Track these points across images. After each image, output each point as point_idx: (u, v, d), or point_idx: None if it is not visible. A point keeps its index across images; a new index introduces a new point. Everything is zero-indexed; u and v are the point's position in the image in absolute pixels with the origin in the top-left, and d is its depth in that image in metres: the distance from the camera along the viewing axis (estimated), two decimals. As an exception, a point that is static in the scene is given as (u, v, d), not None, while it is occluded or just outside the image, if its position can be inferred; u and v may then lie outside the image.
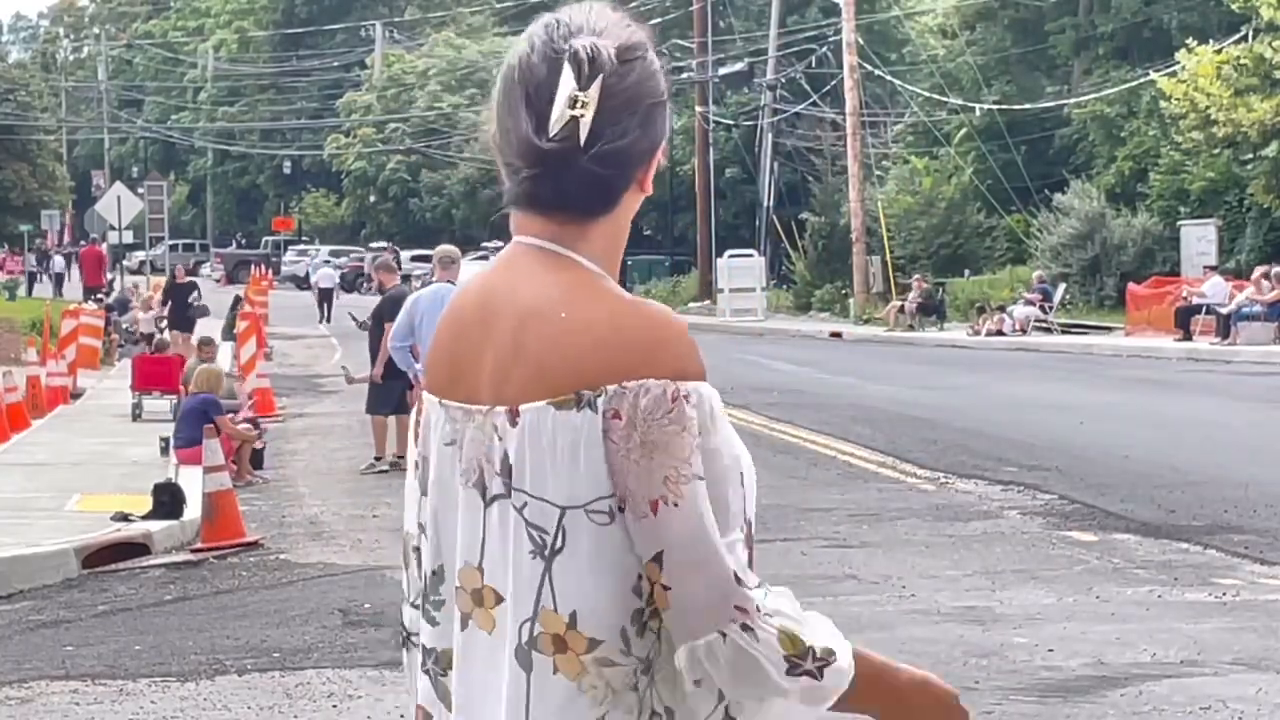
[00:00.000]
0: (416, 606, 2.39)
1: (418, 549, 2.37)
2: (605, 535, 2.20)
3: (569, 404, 2.19)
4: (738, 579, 2.18)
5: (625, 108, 2.28)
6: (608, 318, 2.22)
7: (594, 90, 2.24)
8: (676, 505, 2.16)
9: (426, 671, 2.35)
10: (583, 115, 2.23)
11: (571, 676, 2.21)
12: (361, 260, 74.78)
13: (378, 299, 19.48)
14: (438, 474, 2.30)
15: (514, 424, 2.22)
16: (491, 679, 2.26)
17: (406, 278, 71.05)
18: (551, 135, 2.23)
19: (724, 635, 2.17)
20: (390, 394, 17.46)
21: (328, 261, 65.65)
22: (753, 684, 2.19)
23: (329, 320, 48.55)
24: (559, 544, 2.21)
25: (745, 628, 2.17)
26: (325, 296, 52.05)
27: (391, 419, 17.55)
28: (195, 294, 33.27)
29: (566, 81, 2.23)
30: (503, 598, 2.25)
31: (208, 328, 29.42)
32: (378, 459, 17.46)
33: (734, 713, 2.24)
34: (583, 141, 2.23)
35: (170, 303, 32.98)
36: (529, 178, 2.27)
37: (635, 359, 2.18)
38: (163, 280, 45.27)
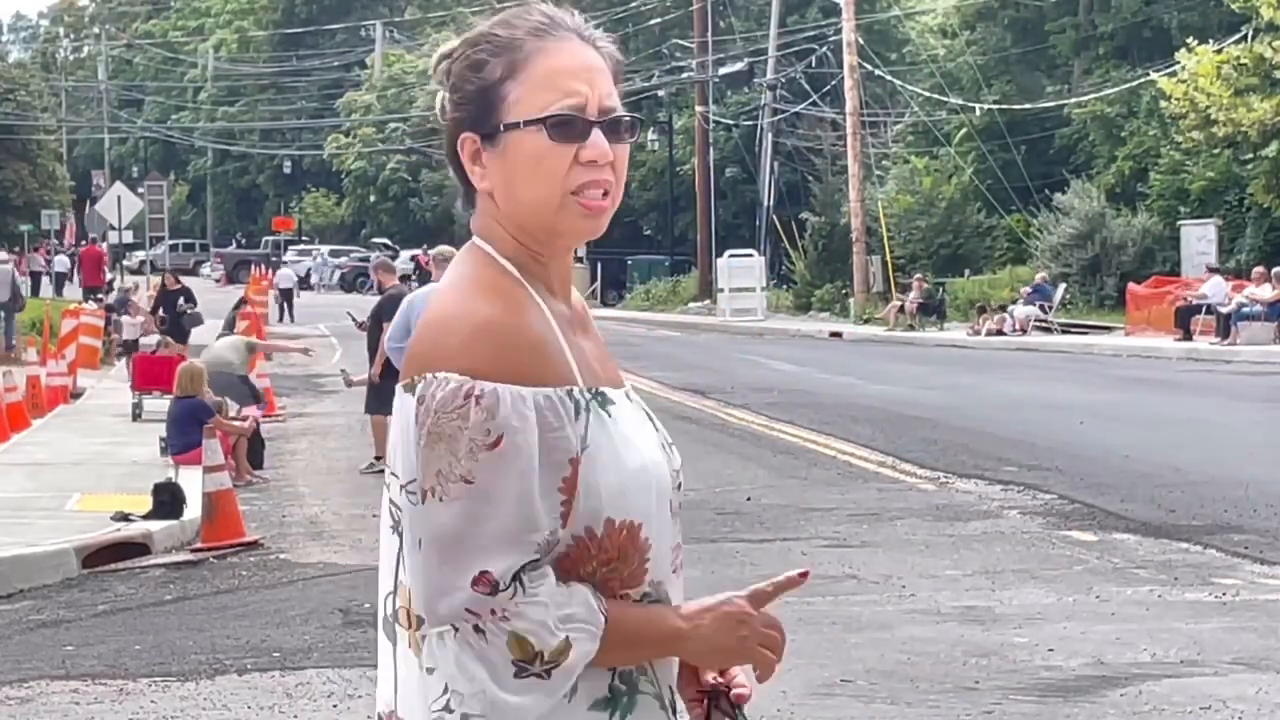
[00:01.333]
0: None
1: None
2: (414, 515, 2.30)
3: (408, 387, 2.31)
4: (483, 582, 2.22)
5: (448, 106, 2.43)
6: (435, 310, 2.34)
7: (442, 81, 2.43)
8: (440, 500, 2.24)
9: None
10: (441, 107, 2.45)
11: (416, 652, 2.32)
12: (366, 260, 74.80)
13: (377, 299, 19.46)
14: None
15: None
16: (383, 648, 2.39)
17: (405, 277, 71.22)
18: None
19: (455, 629, 2.25)
20: (390, 393, 17.45)
21: (286, 263, 65.91)
22: (470, 680, 2.25)
23: (291, 320, 48.75)
24: (400, 521, 2.34)
25: (477, 629, 2.24)
26: (285, 297, 52.21)
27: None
28: (186, 301, 31.37)
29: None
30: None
31: (206, 332, 29.44)
32: (378, 458, 17.47)
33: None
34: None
35: (160, 310, 31.23)
36: None
37: (436, 352, 2.29)
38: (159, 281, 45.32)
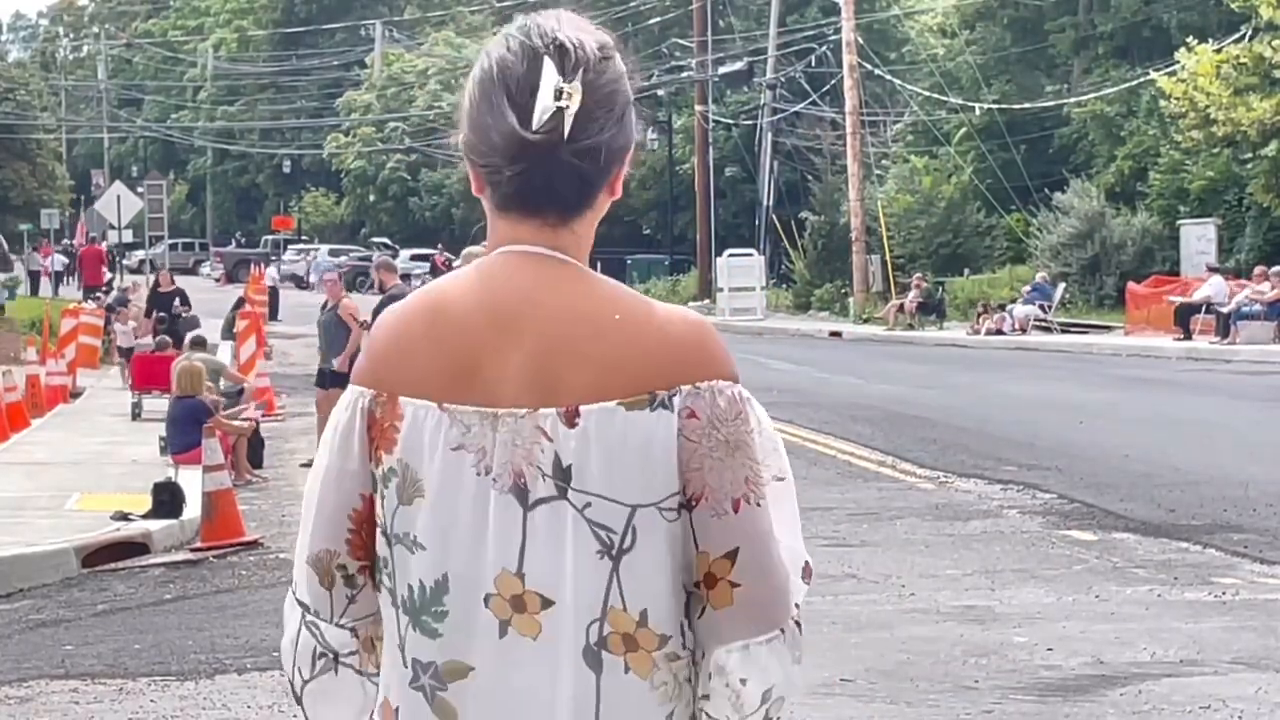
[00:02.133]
0: (348, 626, 2.42)
1: (367, 565, 2.34)
2: (673, 531, 2.24)
3: (641, 404, 2.20)
4: (808, 572, 2.32)
5: (603, 104, 2.27)
6: (663, 320, 2.24)
7: (577, 83, 2.23)
8: (759, 505, 2.25)
9: (419, 689, 2.28)
10: (567, 106, 2.22)
11: (643, 675, 2.23)
12: (366, 259, 74.80)
13: (379, 298, 19.46)
14: (441, 480, 2.24)
15: (571, 425, 2.20)
16: (539, 685, 2.22)
17: (406, 277, 71.24)
18: (536, 128, 2.22)
19: (783, 631, 2.25)
20: None
21: (274, 261, 66.05)
22: (788, 680, 2.29)
23: (277, 319, 48.74)
24: (628, 543, 2.22)
25: (797, 622, 2.28)
26: (272, 295, 52.23)
27: None
28: (181, 304, 30.18)
29: (549, 74, 2.23)
30: (551, 601, 2.21)
31: (205, 332, 29.38)
32: None
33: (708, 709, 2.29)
34: (566, 133, 2.22)
35: (154, 314, 29.92)
36: (516, 174, 2.26)
37: (699, 359, 2.25)
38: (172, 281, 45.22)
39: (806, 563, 2.32)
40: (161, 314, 29.44)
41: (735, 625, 2.23)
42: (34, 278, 60.33)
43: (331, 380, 17.74)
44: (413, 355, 2.26)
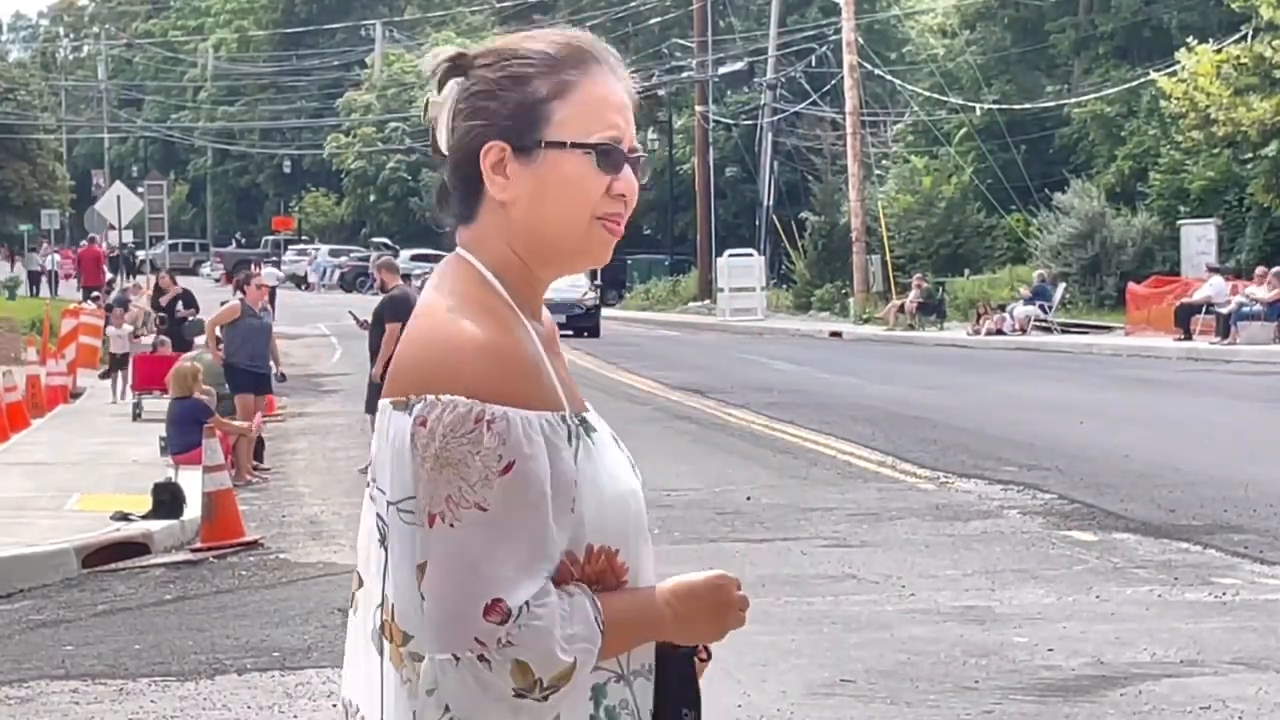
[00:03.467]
0: None
1: None
2: (410, 535, 2.28)
3: (400, 405, 2.28)
4: (495, 611, 2.20)
5: (456, 114, 2.40)
6: (430, 329, 2.31)
7: (443, 94, 2.41)
8: (451, 526, 2.22)
9: None
10: (433, 121, 2.42)
11: (397, 666, 2.31)
12: (366, 259, 74.78)
13: (379, 298, 19.45)
14: None
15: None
16: (358, 658, 2.39)
17: (406, 277, 71.22)
18: (432, 148, 2.44)
19: (456, 659, 2.22)
20: None
21: (270, 261, 66.11)
22: (474, 707, 2.23)
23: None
24: (388, 536, 2.33)
25: (481, 658, 2.21)
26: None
27: None
28: (186, 306, 28.95)
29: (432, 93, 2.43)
30: (363, 582, 2.39)
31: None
32: None
33: None
34: (442, 147, 2.42)
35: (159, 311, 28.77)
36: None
37: (440, 372, 2.26)
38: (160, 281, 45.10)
39: (494, 601, 2.20)
40: (162, 314, 28.71)
41: (424, 635, 2.26)
42: (34, 278, 60.34)
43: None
44: None
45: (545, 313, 2.47)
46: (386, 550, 2.32)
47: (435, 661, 2.24)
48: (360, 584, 2.40)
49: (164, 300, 29.24)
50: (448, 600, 2.22)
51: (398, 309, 17.81)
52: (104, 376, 26.94)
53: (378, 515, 2.33)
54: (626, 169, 2.39)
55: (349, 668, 2.41)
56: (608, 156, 2.37)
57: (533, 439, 2.24)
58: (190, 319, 27.81)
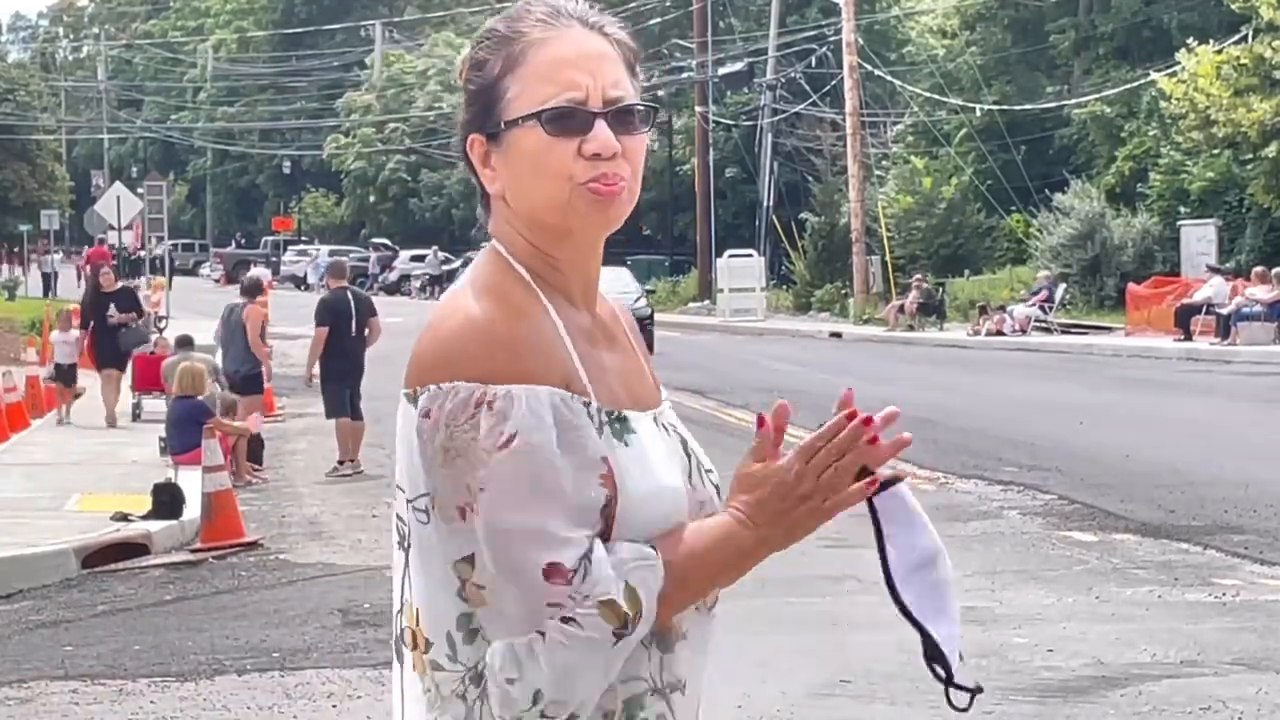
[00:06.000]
0: None
1: None
2: (425, 534, 2.21)
3: (410, 396, 2.21)
4: (556, 574, 2.12)
5: (461, 107, 2.34)
6: (438, 319, 2.23)
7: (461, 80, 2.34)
8: (478, 513, 2.13)
9: None
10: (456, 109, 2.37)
11: (419, 674, 2.24)
12: (366, 260, 74.81)
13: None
14: None
15: None
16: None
17: (406, 277, 71.18)
18: None
19: (542, 634, 2.13)
20: (334, 398, 17.63)
21: (255, 263, 66.23)
22: (569, 680, 2.13)
23: None
24: (409, 538, 2.25)
25: (566, 620, 2.13)
26: None
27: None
28: (122, 308, 22.72)
29: None
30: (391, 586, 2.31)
31: (205, 333, 29.28)
32: (340, 462, 17.35)
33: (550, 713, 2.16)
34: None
35: (90, 323, 22.72)
36: None
37: (444, 358, 2.18)
38: (161, 281, 45.05)
39: (550, 565, 2.12)
40: (94, 327, 22.60)
41: (494, 625, 2.17)
42: (46, 280, 60.51)
43: None
44: None
45: (606, 303, 2.38)
46: (407, 552, 2.25)
47: (518, 647, 2.14)
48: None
49: (103, 287, 23.10)
50: (508, 584, 2.14)
51: (326, 312, 17.96)
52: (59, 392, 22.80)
53: (397, 516, 2.26)
54: (600, 126, 2.21)
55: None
56: (562, 120, 2.21)
57: (539, 413, 2.14)
58: (128, 326, 22.74)
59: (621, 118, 2.23)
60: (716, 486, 2.38)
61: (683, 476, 2.28)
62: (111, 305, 22.51)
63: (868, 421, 2.28)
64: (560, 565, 2.12)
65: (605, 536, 2.18)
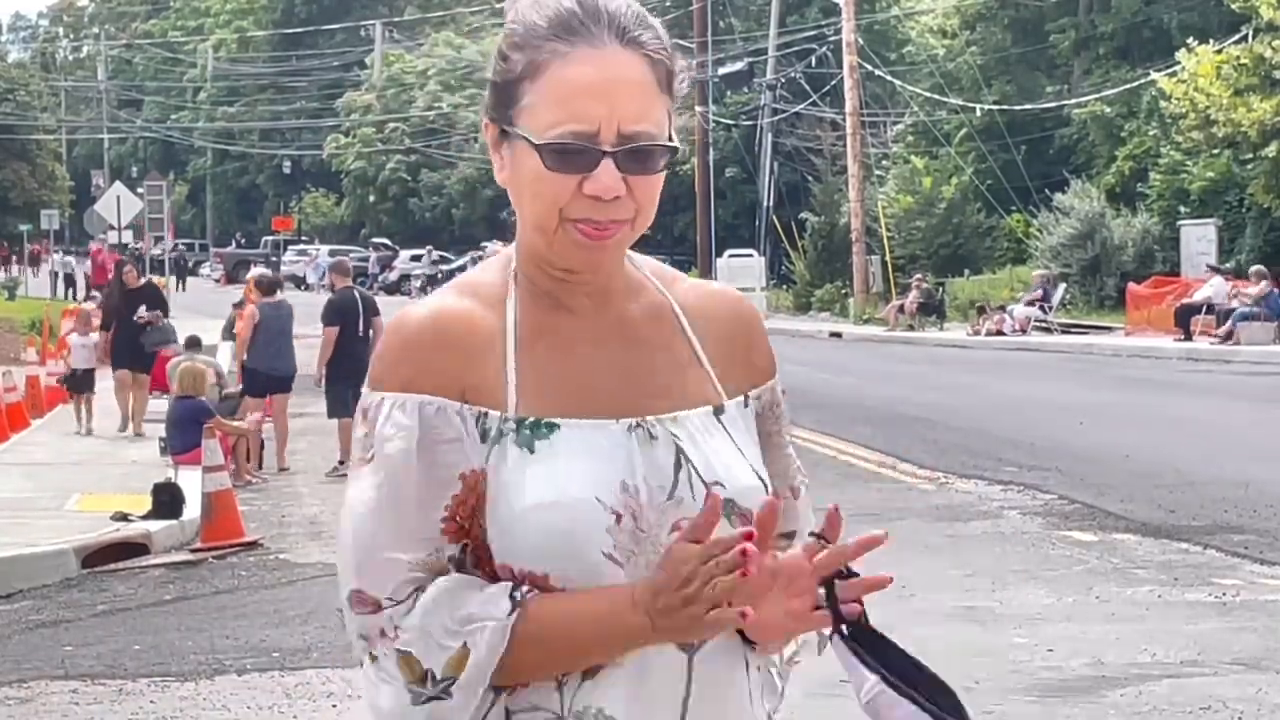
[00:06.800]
0: None
1: None
2: None
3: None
4: (359, 601, 2.03)
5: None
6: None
7: None
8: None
9: None
10: None
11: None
12: (366, 260, 74.79)
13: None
14: None
15: None
16: None
17: (406, 277, 71.18)
18: None
19: (360, 663, 2.07)
20: (337, 398, 17.62)
21: (255, 262, 66.24)
22: (380, 714, 2.03)
23: None
24: None
25: (372, 656, 2.03)
26: None
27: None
28: (149, 307, 21.83)
29: None
30: None
31: (205, 334, 29.27)
32: (341, 462, 17.36)
33: None
34: None
35: (114, 323, 21.72)
36: None
37: (372, 366, 2.12)
38: (162, 281, 45.01)
39: (354, 592, 2.03)
40: (116, 327, 21.71)
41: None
42: (57, 279, 60.62)
43: None
44: None
45: (659, 296, 2.19)
46: None
47: (365, 668, 2.07)
48: None
49: (128, 284, 22.25)
50: (345, 608, 2.08)
51: (334, 313, 17.96)
52: (69, 396, 22.18)
53: None
54: (606, 165, 2.02)
55: None
56: (564, 156, 2.02)
57: (400, 422, 2.02)
58: (154, 324, 21.88)
59: (635, 155, 2.05)
60: (732, 499, 2.17)
61: (615, 489, 2.04)
62: (141, 306, 21.60)
63: (745, 553, 1.98)
64: (363, 593, 2.03)
65: (484, 555, 2.04)
